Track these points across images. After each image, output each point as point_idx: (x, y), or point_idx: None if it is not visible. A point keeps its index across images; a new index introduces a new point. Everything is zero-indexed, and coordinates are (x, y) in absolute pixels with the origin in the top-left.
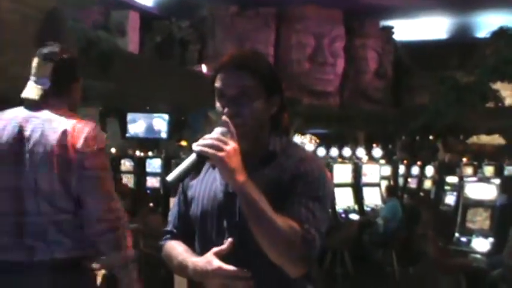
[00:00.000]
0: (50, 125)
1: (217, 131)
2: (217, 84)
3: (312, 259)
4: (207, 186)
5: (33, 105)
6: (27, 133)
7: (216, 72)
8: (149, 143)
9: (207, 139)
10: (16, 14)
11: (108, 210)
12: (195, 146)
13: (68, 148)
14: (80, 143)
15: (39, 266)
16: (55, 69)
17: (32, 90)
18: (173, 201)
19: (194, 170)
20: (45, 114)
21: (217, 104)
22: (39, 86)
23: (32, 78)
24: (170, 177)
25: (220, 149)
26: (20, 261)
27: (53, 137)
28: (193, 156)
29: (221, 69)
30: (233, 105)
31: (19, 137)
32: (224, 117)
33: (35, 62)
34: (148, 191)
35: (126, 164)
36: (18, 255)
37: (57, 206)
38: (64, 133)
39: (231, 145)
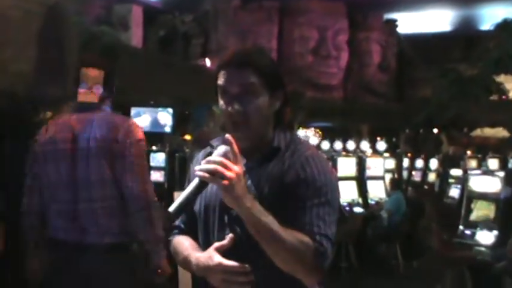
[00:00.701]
0: (99, 123)
1: (220, 152)
2: (220, 82)
3: (325, 269)
4: None
5: (87, 108)
6: (78, 132)
7: (218, 69)
8: (153, 137)
9: (211, 163)
10: (18, 9)
11: (143, 191)
12: (198, 171)
13: (114, 140)
14: (122, 135)
15: (91, 248)
16: (106, 77)
17: (89, 95)
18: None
19: (197, 196)
20: (93, 114)
21: (221, 102)
22: (95, 92)
23: (84, 85)
24: (172, 208)
25: (224, 176)
26: (74, 241)
27: (101, 133)
28: (196, 181)
29: (223, 66)
30: (237, 103)
31: (71, 136)
32: (227, 136)
33: (84, 70)
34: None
35: None
36: (73, 236)
37: (106, 192)
38: (111, 128)
39: (235, 170)
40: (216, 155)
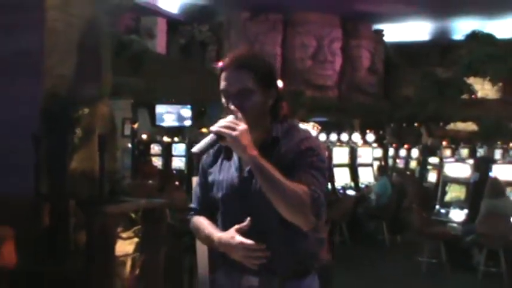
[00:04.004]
0: None
1: (228, 117)
2: (221, 85)
3: (320, 214)
4: (224, 173)
5: None
6: None
7: (220, 72)
8: (175, 130)
9: (222, 122)
10: (61, 22)
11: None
12: (213, 128)
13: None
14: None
15: None
16: None
17: None
18: (195, 180)
19: (212, 147)
20: None
21: (223, 100)
22: None
23: None
24: (195, 149)
25: (234, 129)
26: None
27: None
28: (211, 136)
29: (223, 70)
30: (236, 100)
31: None
32: (232, 107)
33: None
34: (174, 171)
35: (155, 148)
36: None
37: None
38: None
39: (242, 126)
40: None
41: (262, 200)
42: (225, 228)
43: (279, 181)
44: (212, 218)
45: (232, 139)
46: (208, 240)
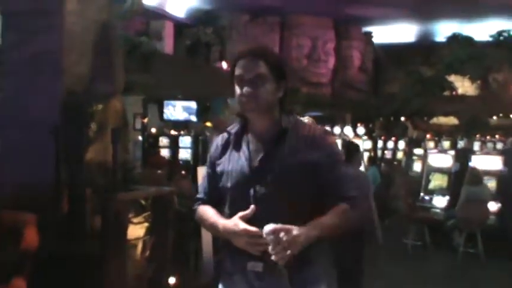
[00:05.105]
0: None
1: (270, 238)
2: (237, 72)
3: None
4: (234, 163)
5: None
6: None
7: (235, 60)
8: (181, 124)
9: (275, 249)
10: (78, 26)
11: None
12: (277, 259)
13: None
14: None
15: None
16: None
17: None
18: (200, 170)
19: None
20: None
21: (236, 89)
22: None
23: None
24: None
25: (287, 248)
26: None
27: None
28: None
29: (240, 57)
30: (250, 86)
31: None
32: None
33: None
34: (181, 162)
35: (163, 141)
36: None
37: None
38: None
39: (287, 236)
40: (269, 240)
41: (272, 189)
42: (232, 216)
43: (335, 229)
44: (218, 209)
45: (297, 251)
46: (213, 228)
